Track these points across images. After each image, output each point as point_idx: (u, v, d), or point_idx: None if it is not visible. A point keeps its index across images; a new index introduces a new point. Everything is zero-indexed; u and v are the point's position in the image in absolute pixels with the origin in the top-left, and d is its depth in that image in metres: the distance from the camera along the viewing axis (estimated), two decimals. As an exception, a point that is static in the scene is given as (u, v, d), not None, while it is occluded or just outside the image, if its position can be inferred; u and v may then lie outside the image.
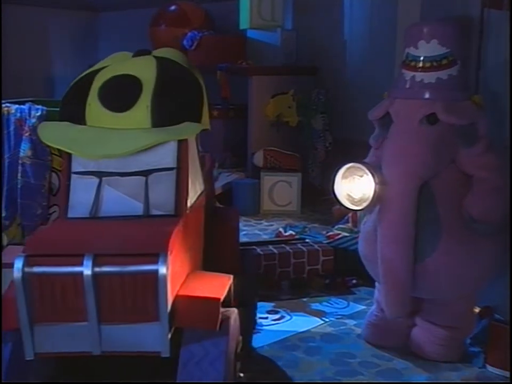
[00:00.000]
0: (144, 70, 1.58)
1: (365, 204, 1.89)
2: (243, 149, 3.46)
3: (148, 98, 1.52)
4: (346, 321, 2.24)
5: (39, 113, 3.09)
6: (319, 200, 3.08)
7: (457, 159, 1.88)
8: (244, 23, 3.49)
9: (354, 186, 1.92)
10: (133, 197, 1.52)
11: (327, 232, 2.77)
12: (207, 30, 3.76)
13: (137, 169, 1.52)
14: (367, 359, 1.97)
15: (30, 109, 3.14)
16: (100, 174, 1.53)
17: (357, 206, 1.93)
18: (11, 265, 1.36)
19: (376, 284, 2.09)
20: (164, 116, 1.53)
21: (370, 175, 1.86)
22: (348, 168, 1.93)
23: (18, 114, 3.16)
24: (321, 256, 2.53)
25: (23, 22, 4.26)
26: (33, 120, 3.08)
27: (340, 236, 2.66)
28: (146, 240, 1.39)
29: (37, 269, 1.35)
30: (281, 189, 3.15)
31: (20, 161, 2.72)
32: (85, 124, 1.55)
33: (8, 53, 4.01)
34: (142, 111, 1.52)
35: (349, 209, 1.99)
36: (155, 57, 1.64)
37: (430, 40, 1.89)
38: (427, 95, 1.89)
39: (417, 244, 1.85)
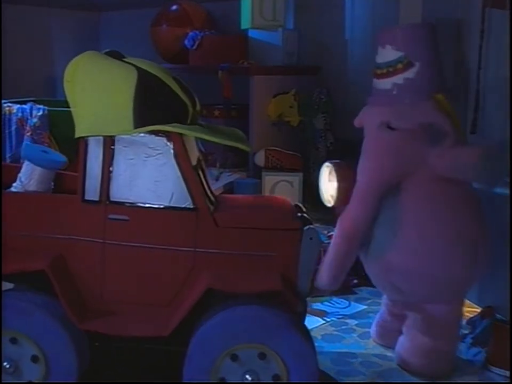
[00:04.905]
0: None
1: (333, 202, 1.99)
2: (244, 149, 3.45)
3: None
4: (348, 321, 2.24)
5: (40, 113, 3.10)
6: (321, 199, 3.08)
7: (428, 159, 1.84)
8: (245, 22, 3.49)
9: (332, 184, 2.02)
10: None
11: (329, 232, 2.77)
12: (209, 29, 3.76)
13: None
14: (369, 359, 1.97)
15: (31, 109, 3.14)
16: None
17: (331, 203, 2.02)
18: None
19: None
20: None
21: (335, 174, 1.96)
22: (329, 167, 2.02)
23: (20, 114, 3.17)
24: (323, 256, 2.53)
25: (24, 21, 4.26)
26: (35, 120, 3.08)
27: (341, 236, 2.65)
28: None
29: None
30: (283, 188, 3.15)
31: (21, 161, 2.73)
32: (186, 124, 1.67)
33: (9, 53, 4.01)
34: (199, 106, 1.73)
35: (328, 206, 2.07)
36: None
37: (385, 45, 1.90)
38: (382, 102, 1.91)
39: (376, 240, 1.87)
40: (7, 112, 3.16)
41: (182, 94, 1.68)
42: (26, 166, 1.79)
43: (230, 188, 3.20)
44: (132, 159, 1.65)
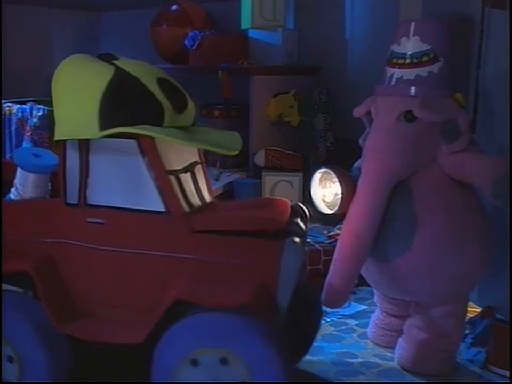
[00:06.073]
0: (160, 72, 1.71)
1: (335, 208, 1.91)
2: (244, 149, 3.44)
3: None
4: (348, 321, 2.24)
5: (40, 113, 3.10)
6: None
7: (438, 157, 1.85)
8: (245, 22, 3.48)
9: (328, 190, 1.95)
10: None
11: (329, 232, 2.77)
12: (209, 29, 3.76)
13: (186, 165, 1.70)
14: (369, 359, 1.97)
15: (31, 109, 3.15)
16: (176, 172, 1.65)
17: (330, 209, 1.95)
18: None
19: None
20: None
21: (337, 181, 1.88)
22: (322, 173, 1.95)
23: (20, 114, 3.17)
24: (323, 256, 2.53)
25: (24, 21, 4.26)
26: (35, 120, 3.09)
27: (341, 236, 2.65)
28: None
29: None
30: (283, 188, 3.15)
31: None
32: (161, 127, 1.62)
33: (9, 53, 4.01)
34: (191, 110, 1.70)
35: (323, 213, 1.99)
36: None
37: (412, 36, 1.87)
38: (405, 92, 1.87)
39: (390, 242, 1.82)
40: (7, 112, 3.16)
41: (160, 95, 1.62)
42: (19, 173, 1.79)
43: (230, 188, 3.20)
44: (105, 162, 1.64)
